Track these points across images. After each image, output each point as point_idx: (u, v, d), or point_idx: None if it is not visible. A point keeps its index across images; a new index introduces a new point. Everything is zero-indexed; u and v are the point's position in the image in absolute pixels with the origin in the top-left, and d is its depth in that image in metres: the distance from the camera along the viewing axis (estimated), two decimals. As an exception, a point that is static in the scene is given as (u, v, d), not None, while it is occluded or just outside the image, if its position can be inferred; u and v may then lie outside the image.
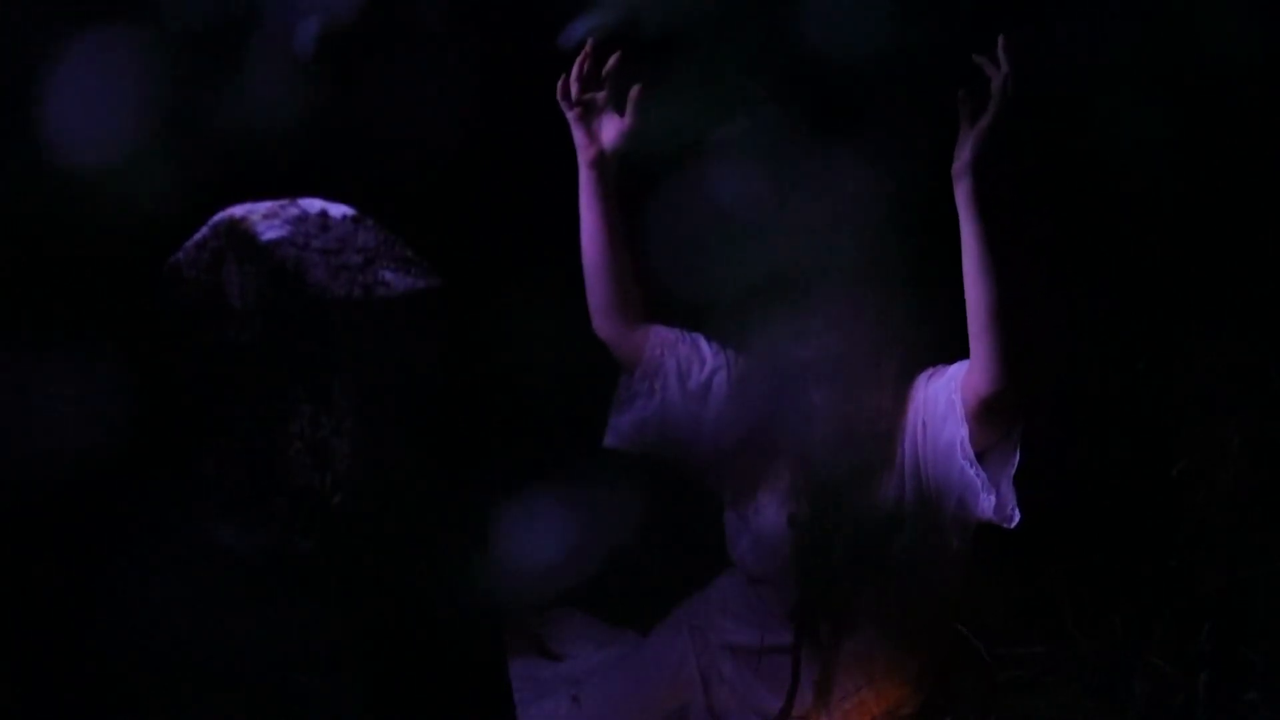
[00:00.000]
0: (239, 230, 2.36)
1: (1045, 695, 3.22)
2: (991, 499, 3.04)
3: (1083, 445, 3.47)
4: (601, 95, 3.22)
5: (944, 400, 3.08)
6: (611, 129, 3.22)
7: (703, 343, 3.31)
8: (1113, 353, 3.52)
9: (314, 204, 2.40)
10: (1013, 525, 3.05)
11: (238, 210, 2.39)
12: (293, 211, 2.37)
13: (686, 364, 3.29)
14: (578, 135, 3.23)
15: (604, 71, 3.21)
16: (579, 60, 3.21)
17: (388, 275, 2.33)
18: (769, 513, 3.20)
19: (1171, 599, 3.28)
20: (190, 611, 2.26)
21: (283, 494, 2.33)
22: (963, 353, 3.09)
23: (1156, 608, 3.28)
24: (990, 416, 3.02)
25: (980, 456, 3.04)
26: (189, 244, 2.40)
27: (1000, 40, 2.91)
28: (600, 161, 3.22)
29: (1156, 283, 3.54)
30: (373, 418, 2.32)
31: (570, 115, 3.22)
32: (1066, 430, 3.45)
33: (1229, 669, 3.18)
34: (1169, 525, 3.37)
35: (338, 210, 2.38)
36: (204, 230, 2.40)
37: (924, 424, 3.11)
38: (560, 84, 3.22)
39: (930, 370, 3.15)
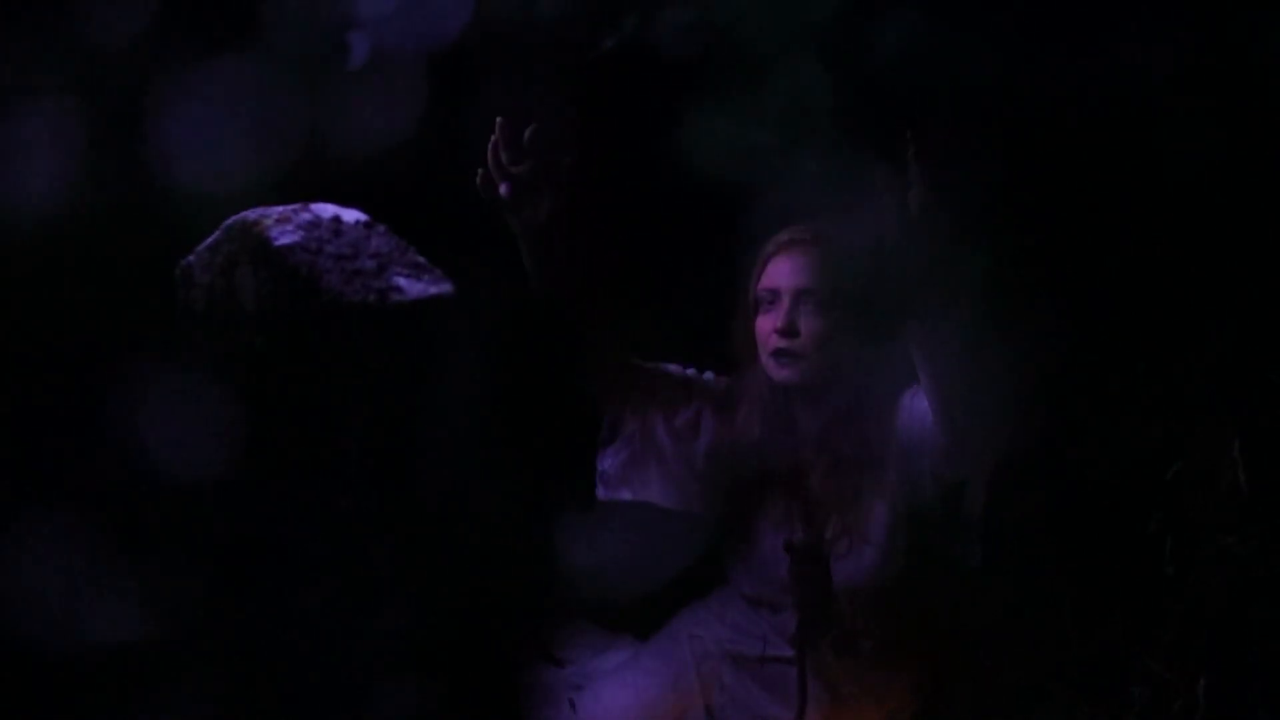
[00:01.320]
0: (252, 234, 2.40)
1: (1044, 700, 3.27)
2: (960, 540, 3.09)
3: (1081, 448, 3.51)
4: (524, 178, 3.10)
5: (917, 435, 3.11)
6: (547, 204, 3.12)
7: (687, 377, 3.32)
8: (1112, 354, 3.56)
9: (326, 209, 2.44)
10: (972, 565, 3.10)
11: (250, 214, 2.44)
12: (305, 216, 2.41)
13: (671, 403, 3.30)
14: (511, 222, 3.13)
15: (525, 146, 3.09)
16: (490, 149, 3.09)
17: (401, 281, 2.37)
18: (765, 539, 3.24)
19: (1170, 603, 3.32)
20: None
21: (291, 496, 2.37)
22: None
23: (1155, 612, 3.32)
24: (950, 461, 3.07)
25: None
26: (201, 247, 2.44)
27: (910, 137, 2.88)
28: (542, 242, 3.14)
29: (1156, 283, 3.58)
30: (386, 422, 2.36)
31: (499, 206, 3.11)
32: (1065, 433, 3.49)
33: (1228, 674, 3.23)
34: (1168, 529, 3.42)
35: (350, 215, 2.42)
36: (216, 233, 2.44)
37: (905, 450, 3.15)
38: (480, 178, 3.10)
39: (913, 389, 3.18)
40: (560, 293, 3.19)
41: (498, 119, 3.06)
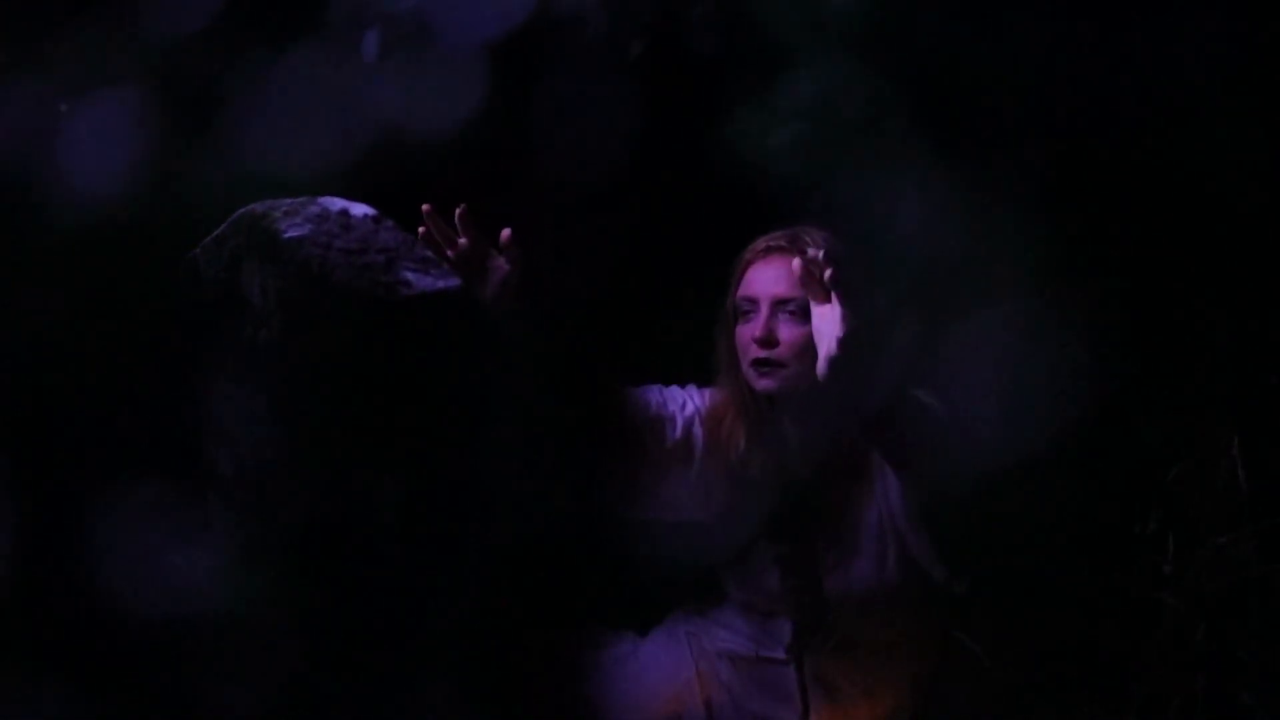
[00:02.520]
0: (260, 227, 2.41)
1: (1044, 700, 3.29)
2: (944, 568, 3.08)
3: (1081, 447, 3.52)
4: (466, 256, 3.03)
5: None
6: (496, 278, 3.08)
7: (671, 399, 3.30)
8: (1113, 353, 3.57)
9: (334, 202, 2.45)
10: (961, 592, 3.09)
11: (258, 207, 2.44)
12: (313, 210, 2.42)
13: (658, 426, 3.27)
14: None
15: (457, 225, 3.03)
16: (421, 237, 2.96)
17: (410, 276, 2.37)
18: (755, 549, 3.23)
19: (1169, 602, 3.34)
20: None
21: (298, 489, 2.38)
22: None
23: (1154, 611, 3.34)
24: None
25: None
26: (208, 240, 2.44)
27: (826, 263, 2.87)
28: (500, 306, 3.09)
29: (1157, 283, 3.59)
30: (394, 415, 2.36)
31: None
32: (1065, 432, 3.50)
33: (1226, 673, 3.24)
34: (1167, 528, 3.43)
35: (359, 209, 2.44)
36: (223, 226, 2.44)
37: (886, 460, 3.14)
38: None
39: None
40: (532, 340, 3.17)
41: (423, 206, 3.00)
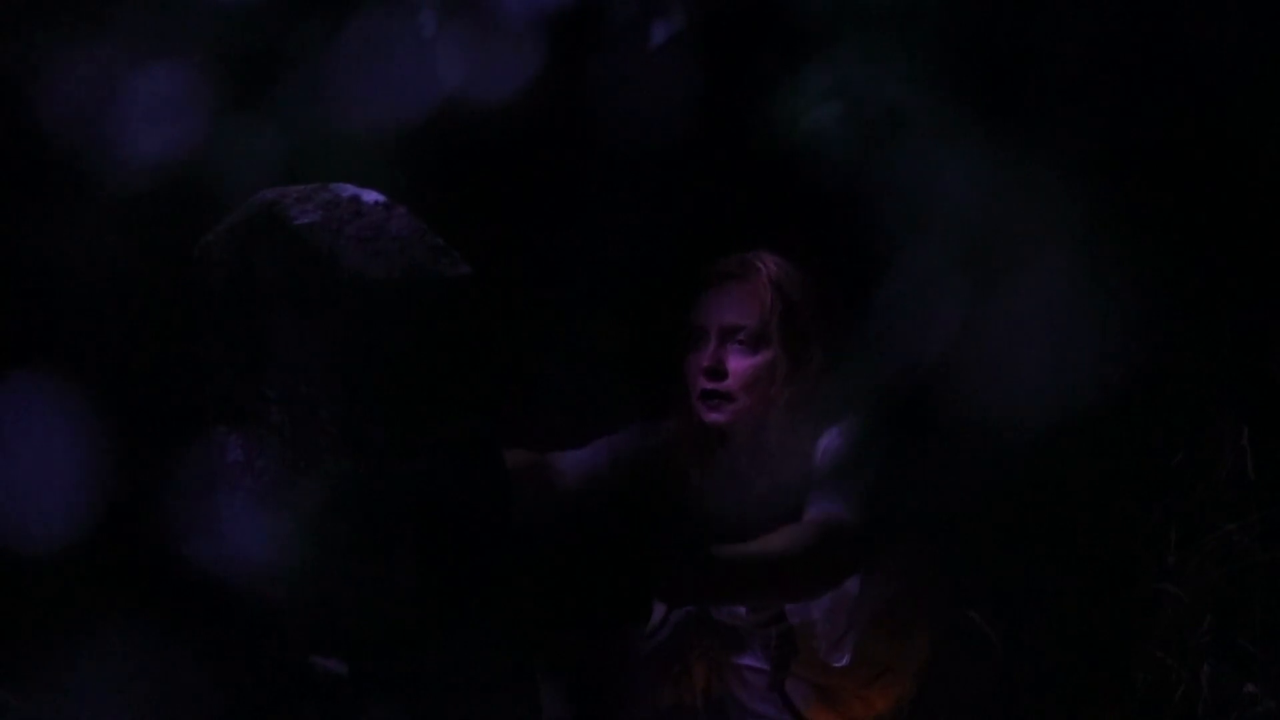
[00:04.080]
0: (270, 214, 2.40)
1: (1045, 686, 3.30)
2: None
3: (1085, 438, 3.52)
4: None
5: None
6: None
7: (619, 445, 3.24)
8: (1117, 344, 3.57)
9: (345, 188, 2.45)
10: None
11: (268, 193, 2.44)
12: (325, 196, 2.42)
13: (625, 449, 3.20)
14: None
15: None
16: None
17: (421, 263, 2.37)
18: None
19: (1173, 591, 3.35)
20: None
21: (314, 481, 2.38)
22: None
23: (1157, 600, 3.35)
24: None
25: None
26: (220, 226, 2.44)
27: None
28: None
29: (1163, 274, 3.59)
30: (405, 403, 2.36)
31: None
32: (1069, 423, 3.50)
33: (1229, 661, 3.26)
34: (1170, 517, 3.44)
35: (370, 196, 2.43)
36: (234, 214, 2.44)
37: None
38: None
39: (831, 432, 3.07)
40: None
41: None
